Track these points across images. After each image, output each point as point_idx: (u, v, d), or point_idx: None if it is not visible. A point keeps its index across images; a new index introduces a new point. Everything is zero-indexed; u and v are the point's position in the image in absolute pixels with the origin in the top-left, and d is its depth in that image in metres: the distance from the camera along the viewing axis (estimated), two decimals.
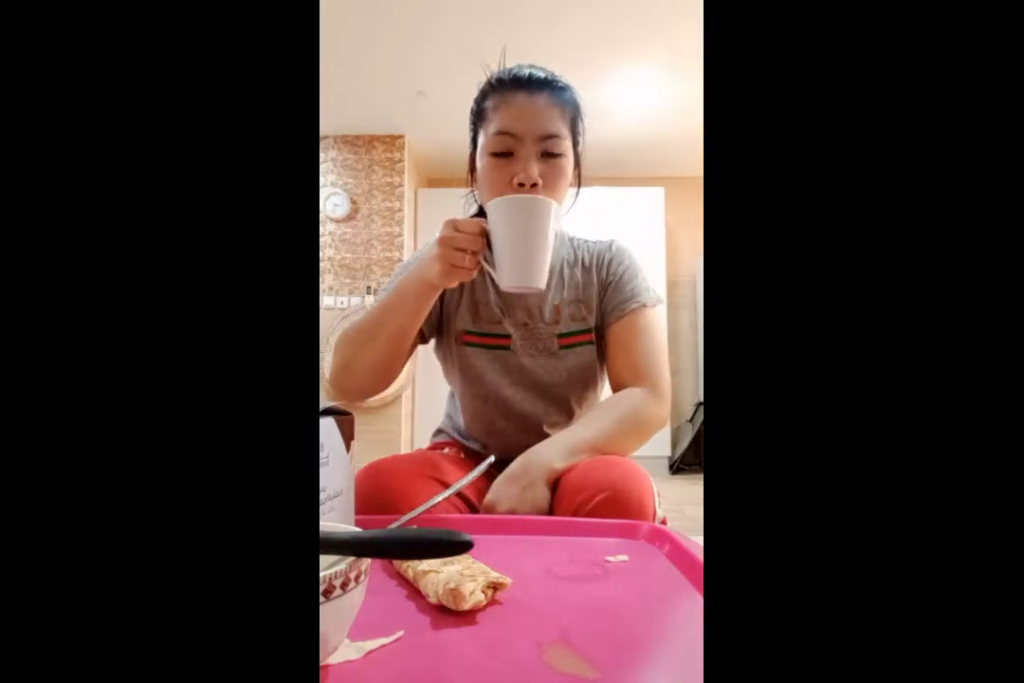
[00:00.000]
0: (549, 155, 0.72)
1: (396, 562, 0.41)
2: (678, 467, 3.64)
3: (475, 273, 0.64)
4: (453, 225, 0.62)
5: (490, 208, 0.62)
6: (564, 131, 0.73)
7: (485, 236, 0.62)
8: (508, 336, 0.80)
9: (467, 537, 0.27)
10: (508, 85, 0.73)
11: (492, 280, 0.83)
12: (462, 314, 0.82)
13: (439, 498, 0.54)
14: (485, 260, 0.64)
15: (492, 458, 0.62)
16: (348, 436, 0.49)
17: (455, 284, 0.65)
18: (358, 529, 0.32)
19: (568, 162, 0.74)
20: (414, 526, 0.50)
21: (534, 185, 0.70)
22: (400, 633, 0.31)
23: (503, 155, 0.72)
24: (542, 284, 0.62)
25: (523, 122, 0.71)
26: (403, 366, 0.77)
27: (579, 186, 0.81)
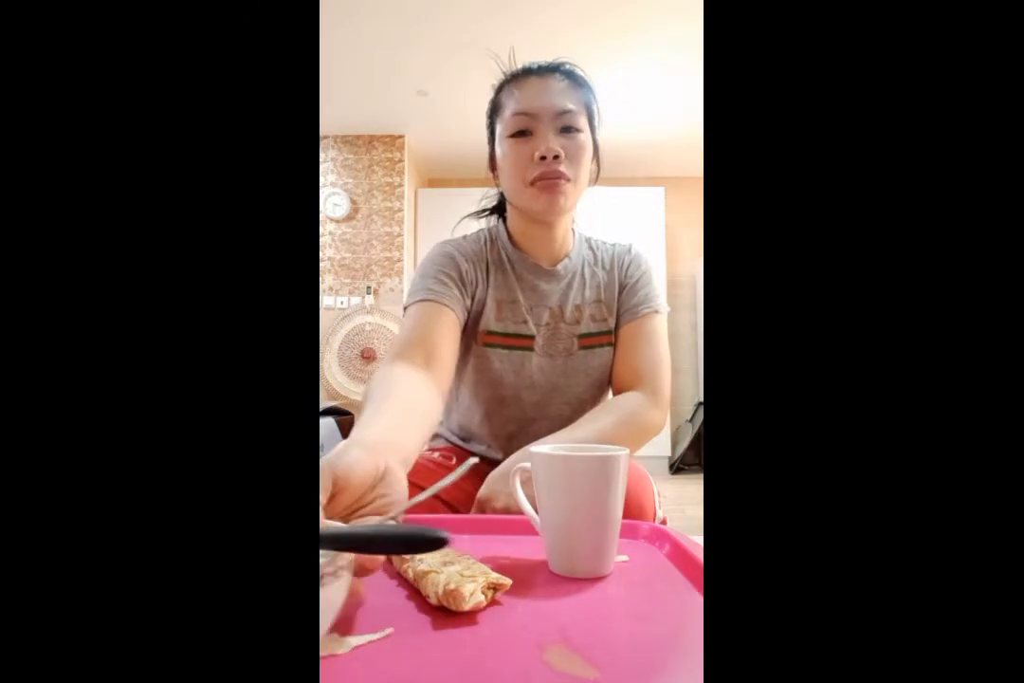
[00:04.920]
0: (567, 131, 0.73)
1: (396, 562, 0.41)
2: (678, 467, 3.64)
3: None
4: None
5: (534, 462, 0.44)
6: (579, 107, 0.74)
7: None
8: (531, 337, 0.79)
9: (443, 534, 0.26)
10: (520, 74, 0.76)
11: (514, 274, 0.81)
12: (487, 314, 0.80)
13: (420, 498, 0.51)
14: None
15: (473, 460, 0.58)
16: (348, 436, 0.49)
17: None
18: (341, 524, 0.32)
19: (587, 138, 0.75)
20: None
21: (556, 157, 0.71)
22: (389, 630, 0.31)
23: (523, 135, 0.73)
24: (607, 569, 0.42)
25: (538, 99, 0.73)
26: None
27: (597, 179, 0.81)
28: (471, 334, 0.81)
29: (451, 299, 0.75)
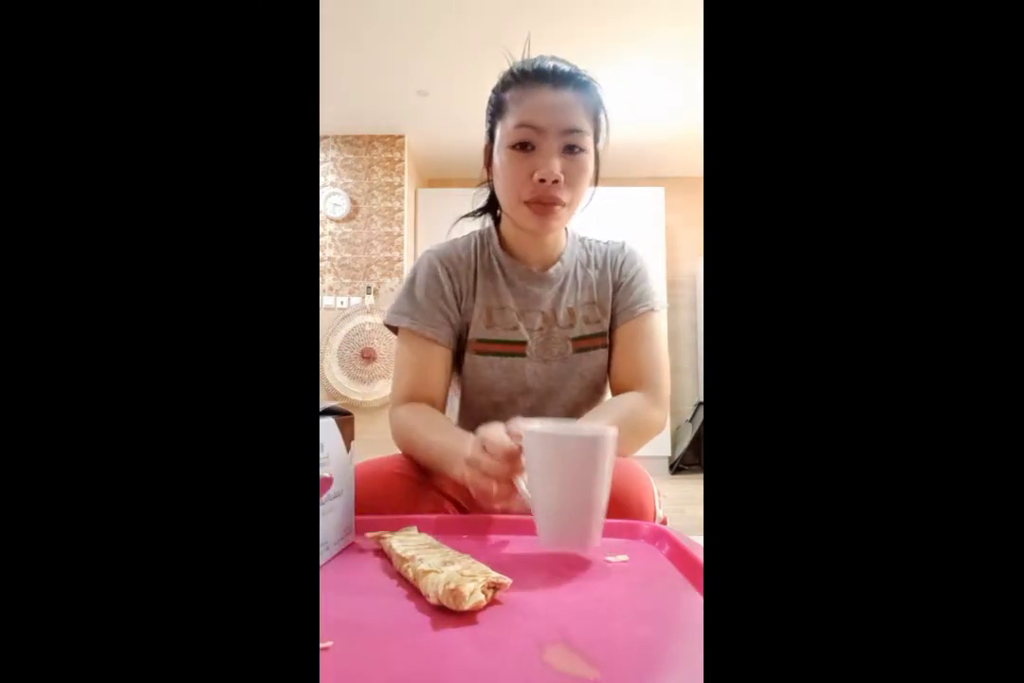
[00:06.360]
0: (571, 151, 0.70)
1: (396, 562, 0.41)
2: (678, 467, 3.64)
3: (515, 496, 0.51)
4: (482, 443, 0.50)
5: (527, 440, 0.47)
6: (587, 126, 0.71)
7: (517, 460, 0.49)
8: (523, 342, 0.78)
9: None
10: (532, 77, 0.71)
11: (505, 280, 0.80)
12: (476, 322, 0.79)
13: None
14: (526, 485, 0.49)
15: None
16: (348, 436, 0.49)
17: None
18: None
19: (590, 159, 0.72)
20: (413, 526, 0.50)
21: (555, 181, 0.69)
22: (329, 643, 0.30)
23: (524, 148, 0.70)
24: (594, 542, 0.45)
25: (547, 115, 0.69)
26: None
27: (596, 184, 0.79)
28: (462, 344, 0.80)
29: (439, 328, 0.76)
